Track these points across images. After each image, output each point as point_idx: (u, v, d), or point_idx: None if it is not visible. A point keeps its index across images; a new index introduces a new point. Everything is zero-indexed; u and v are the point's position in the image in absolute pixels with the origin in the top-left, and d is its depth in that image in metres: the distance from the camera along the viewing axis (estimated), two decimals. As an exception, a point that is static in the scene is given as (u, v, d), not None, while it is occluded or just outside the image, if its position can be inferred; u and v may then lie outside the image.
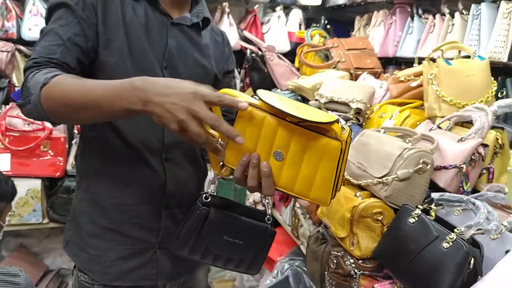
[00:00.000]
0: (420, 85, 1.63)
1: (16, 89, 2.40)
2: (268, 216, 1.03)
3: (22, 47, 2.34)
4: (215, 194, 1.00)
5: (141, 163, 1.05)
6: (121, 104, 0.78)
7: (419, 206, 1.14)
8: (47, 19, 0.98)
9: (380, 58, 2.26)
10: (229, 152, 0.81)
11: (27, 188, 2.13)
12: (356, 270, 1.25)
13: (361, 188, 1.33)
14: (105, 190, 1.07)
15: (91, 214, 1.09)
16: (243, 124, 0.78)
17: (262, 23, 2.78)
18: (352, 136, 1.56)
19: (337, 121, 0.76)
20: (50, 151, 2.16)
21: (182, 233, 0.99)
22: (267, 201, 1.05)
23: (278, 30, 2.71)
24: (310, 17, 2.88)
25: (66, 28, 0.94)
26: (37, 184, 2.14)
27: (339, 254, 1.33)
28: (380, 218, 1.24)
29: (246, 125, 0.78)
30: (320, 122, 0.74)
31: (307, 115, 0.75)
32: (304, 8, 2.81)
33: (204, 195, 0.99)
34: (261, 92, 0.78)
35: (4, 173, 2.03)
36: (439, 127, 1.39)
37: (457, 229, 0.99)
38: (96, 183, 1.08)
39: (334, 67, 2.20)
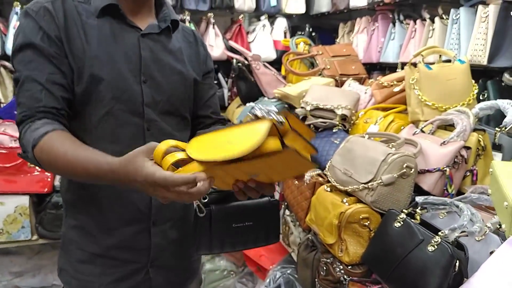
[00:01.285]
0: (403, 90, 1.65)
1: (2, 105, 2.39)
2: None
3: (6, 63, 2.33)
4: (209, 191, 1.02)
5: None
6: (106, 183, 0.83)
7: (404, 210, 1.15)
8: (14, 61, 0.94)
9: (364, 64, 2.29)
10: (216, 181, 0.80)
11: (15, 205, 2.11)
12: (345, 276, 1.26)
13: (348, 194, 1.34)
14: (91, 217, 1.06)
15: (79, 241, 1.07)
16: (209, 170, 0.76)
17: (247, 33, 2.81)
18: (338, 142, 1.54)
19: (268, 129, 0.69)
20: (37, 167, 2.14)
21: (197, 238, 1.05)
22: None
23: (263, 39, 2.74)
24: (295, 25, 2.91)
25: (40, 70, 0.92)
26: (25, 200, 2.12)
27: (328, 260, 1.34)
28: (367, 224, 1.24)
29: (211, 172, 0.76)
30: (244, 153, 0.67)
31: (235, 147, 0.68)
32: (288, 17, 2.84)
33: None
34: (191, 150, 0.74)
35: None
36: (422, 131, 1.41)
37: (442, 232, 1.01)
38: (82, 211, 1.06)
39: (320, 74, 2.23)
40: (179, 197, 0.72)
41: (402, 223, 1.11)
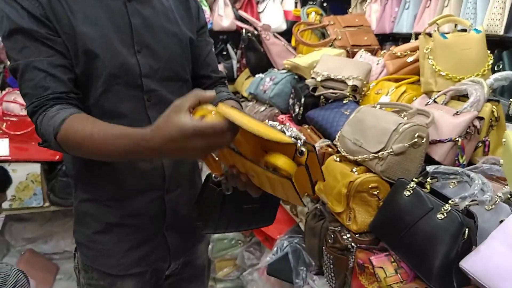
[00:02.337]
0: (417, 60, 1.62)
1: (12, 74, 2.39)
2: None
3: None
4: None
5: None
6: (137, 157, 0.83)
7: (414, 179, 1.14)
8: (6, 48, 0.90)
9: (377, 35, 2.24)
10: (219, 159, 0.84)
11: (27, 172, 2.15)
12: (352, 244, 1.27)
13: (357, 164, 1.34)
14: (103, 189, 1.05)
15: (93, 213, 1.08)
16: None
17: (257, 2, 2.76)
18: (348, 113, 1.52)
19: (295, 144, 0.73)
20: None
21: (204, 217, 1.03)
22: None
23: (273, 9, 2.68)
24: (306, -5, 2.85)
25: (36, 55, 0.87)
26: (36, 168, 2.16)
27: (336, 229, 1.35)
28: (376, 193, 1.24)
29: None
30: (275, 140, 0.69)
31: (265, 131, 0.71)
32: (299, -14, 2.78)
33: (213, 176, 1.00)
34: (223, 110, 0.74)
35: (3, 158, 2.05)
36: (435, 102, 1.39)
37: (452, 201, 1.00)
38: (94, 183, 1.06)
39: (331, 45, 2.19)
40: (213, 142, 0.69)
41: (411, 191, 1.11)
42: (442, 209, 1.00)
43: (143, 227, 1.09)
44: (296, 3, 2.74)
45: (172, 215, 1.11)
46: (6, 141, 2.11)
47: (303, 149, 0.74)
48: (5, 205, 2.15)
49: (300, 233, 1.98)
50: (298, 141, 0.73)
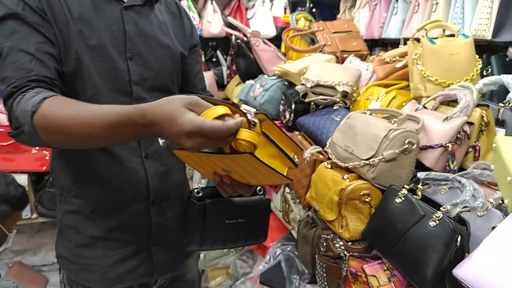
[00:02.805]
0: (406, 66, 1.62)
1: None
2: (258, 188, 1.05)
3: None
4: (204, 187, 1.02)
5: (121, 166, 1.02)
6: (128, 136, 0.73)
7: (405, 186, 1.14)
8: None
9: (366, 40, 2.25)
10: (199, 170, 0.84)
11: (14, 184, 2.10)
12: (345, 252, 1.26)
13: (348, 170, 1.33)
14: (88, 200, 1.03)
15: (77, 225, 1.05)
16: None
17: (246, 9, 2.75)
18: (339, 119, 1.51)
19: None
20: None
21: (188, 233, 1.03)
22: None
23: (263, 15, 2.68)
24: (295, 1, 2.84)
25: (26, 40, 0.84)
26: (24, 179, 2.12)
27: (328, 237, 1.33)
28: (367, 200, 1.23)
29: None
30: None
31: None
32: (288, -8, 2.78)
33: (195, 191, 1.00)
34: None
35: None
36: (425, 107, 1.38)
37: (443, 207, 1.00)
38: (78, 194, 1.04)
39: (320, 51, 2.19)
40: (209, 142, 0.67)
41: (403, 198, 1.10)
42: (434, 216, 0.99)
43: (128, 241, 1.07)
44: (285, 9, 2.73)
45: (158, 230, 1.09)
46: (-8, 152, 2.07)
47: (254, 119, 0.71)
48: (-8, 217, 2.11)
49: (293, 241, 1.97)
50: (248, 114, 0.70)
